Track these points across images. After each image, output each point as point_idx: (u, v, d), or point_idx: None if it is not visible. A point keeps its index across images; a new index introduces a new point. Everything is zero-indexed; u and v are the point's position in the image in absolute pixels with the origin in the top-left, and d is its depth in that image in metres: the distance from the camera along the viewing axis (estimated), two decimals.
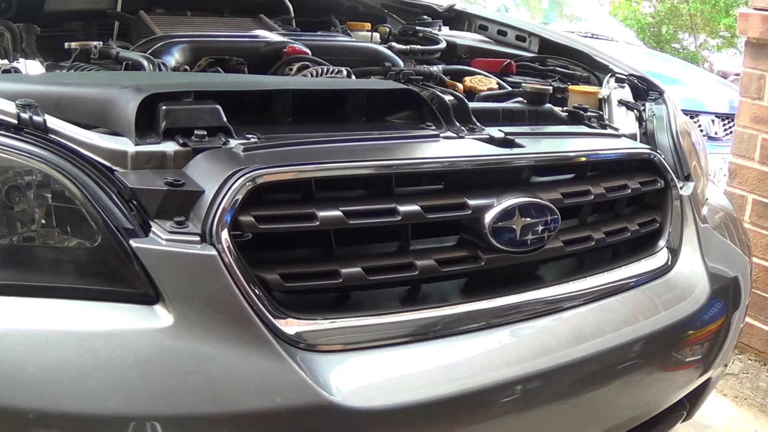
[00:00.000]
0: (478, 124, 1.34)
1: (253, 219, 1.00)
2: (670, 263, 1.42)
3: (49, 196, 0.96)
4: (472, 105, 1.39)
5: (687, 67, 5.21)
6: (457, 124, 1.32)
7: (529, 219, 1.18)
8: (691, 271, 1.43)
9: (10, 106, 1.00)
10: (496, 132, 1.31)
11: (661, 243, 1.44)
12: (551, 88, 1.58)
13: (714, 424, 2.21)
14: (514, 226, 1.17)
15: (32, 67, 1.42)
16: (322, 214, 1.04)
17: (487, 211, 1.16)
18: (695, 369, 1.42)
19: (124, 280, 0.94)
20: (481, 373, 1.07)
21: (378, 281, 1.08)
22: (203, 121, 1.09)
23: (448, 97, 1.37)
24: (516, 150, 1.27)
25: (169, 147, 1.05)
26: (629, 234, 1.38)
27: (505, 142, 1.28)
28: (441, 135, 1.27)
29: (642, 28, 9.60)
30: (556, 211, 1.22)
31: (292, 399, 0.94)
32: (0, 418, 0.86)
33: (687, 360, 1.40)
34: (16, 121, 0.99)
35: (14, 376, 0.86)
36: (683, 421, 1.54)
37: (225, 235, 0.96)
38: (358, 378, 1.00)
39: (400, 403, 0.99)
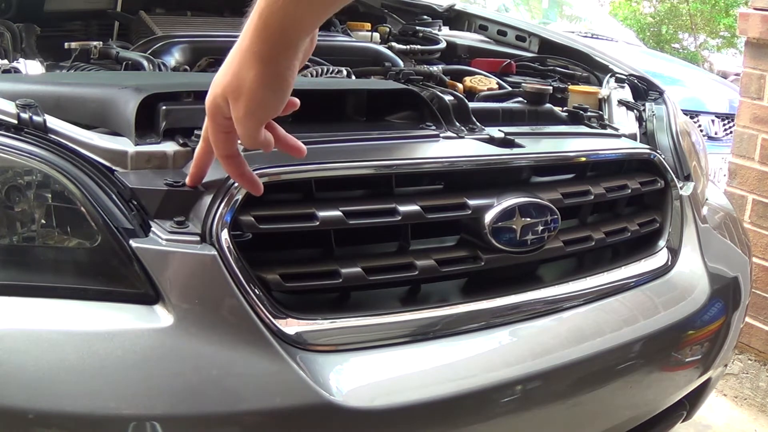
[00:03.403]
0: (478, 124, 1.34)
1: (253, 219, 1.00)
2: (670, 263, 1.42)
3: (49, 196, 0.96)
4: (472, 105, 1.39)
5: (687, 67, 5.21)
6: (457, 124, 1.32)
7: (529, 219, 1.18)
8: (691, 271, 1.43)
9: (10, 106, 1.00)
10: (496, 132, 1.31)
11: (661, 243, 1.44)
12: (551, 88, 1.58)
13: (714, 424, 2.21)
14: (514, 226, 1.17)
15: (32, 67, 1.42)
16: (322, 214, 1.04)
17: (487, 211, 1.16)
18: (695, 369, 1.42)
19: (124, 280, 0.94)
20: (481, 373, 1.07)
21: (378, 281, 1.08)
22: (203, 121, 1.09)
23: (448, 97, 1.37)
24: (516, 150, 1.27)
25: (169, 147, 1.05)
26: (629, 234, 1.38)
27: (505, 142, 1.28)
28: (441, 135, 1.27)
29: (642, 28, 9.61)
30: (556, 211, 1.22)
31: (292, 399, 0.94)
32: (0, 418, 0.86)
33: (687, 360, 1.40)
34: (16, 121, 0.99)
35: (14, 376, 0.86)
36: (683, 421, 1.54)
37: (225, 235, 0.96)
38: (358, 378, 1.00)
39: (400, 403, 0.99)
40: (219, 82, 0.86)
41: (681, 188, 1.50)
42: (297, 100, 0.94)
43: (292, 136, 0.95)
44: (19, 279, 0.94)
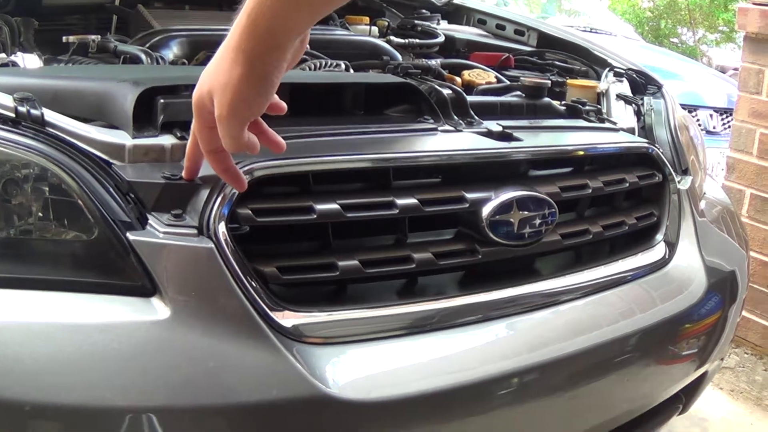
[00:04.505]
0: (476, 117, 1.34)
1: (250, 212, 1.00)
2: (667, 257, 1.43)
3: (47, 189, 0.96)
4: (470, 98, 1.39)
5: (685, 61, 5.21)
6: (455, 117, 1.32)
7: (526, 212, 1.18)
8: (689, 264, 1.44)
9: (8, 100, 1.00)
10: (494, 125, 1.31)
11: (659, 237, 1.45)
12: (549, 82, 1.58)
13: (710, 418, 2.22)
14: (511, 220, 1.17)
15: (30, 60, 1.42)
16: (319, 207, 1.04)
17: (484, 205, 1.16)
18: (691, 362, 1.43)
19: (121, 272, 0.94)
20: (477, 366, 1.07)
21: (375, 274, 1.08)
22: None
23: (446, 91, 1.37)
24: (514, 143, 1.27)
25: (167, 140, 1.05)
26: (627, 228, 1.38)
27: (503, 136, 1.28)
28: (439, 128, 1.27)
29: (641, 23, 9.60)
30: (554, 204, 1.22)
31: (288, 391, 0.94)
32: None
33: (683, 353, 1.40)
34: (13, 115, 0.99)
35: (11, 368, 0.86)
36: (679, 414, 1.55)
37: (222, 228, 0.97)
38: (354, 370, 1.00)
39: (396, 395, 1.00)
40: (206, 78, 0.86)
41: (679, 182, 1.50)
42: (284, 105, 0.94)
43: (273, 131, 0.95)
44: (16, 271, 0.94)
